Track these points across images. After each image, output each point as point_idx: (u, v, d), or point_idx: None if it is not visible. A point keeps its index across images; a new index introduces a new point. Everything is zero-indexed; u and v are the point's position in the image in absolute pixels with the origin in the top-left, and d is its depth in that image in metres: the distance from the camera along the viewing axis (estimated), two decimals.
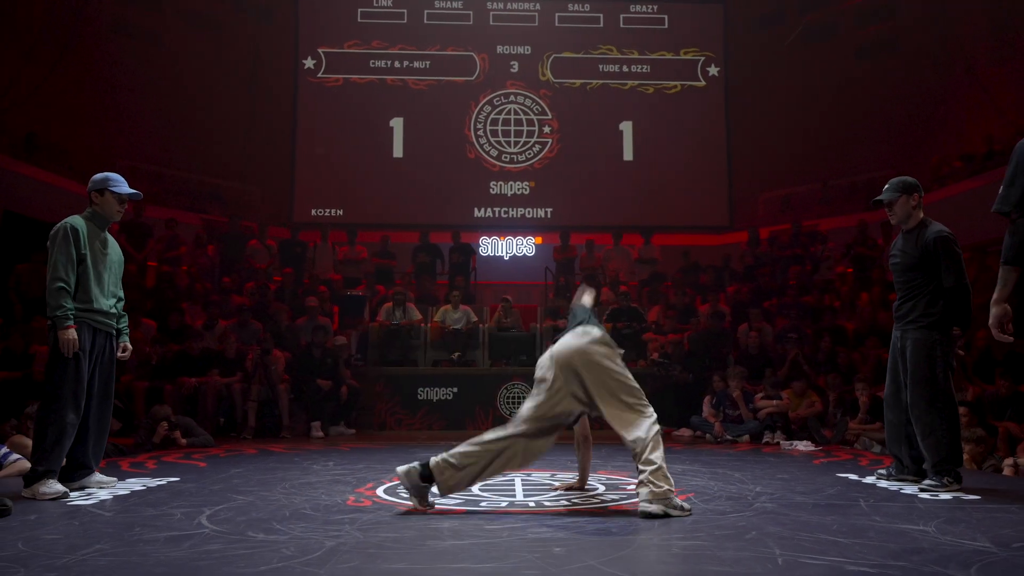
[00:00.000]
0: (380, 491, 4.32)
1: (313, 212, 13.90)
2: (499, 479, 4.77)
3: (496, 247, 13.79)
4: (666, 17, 14.51)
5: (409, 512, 3.68)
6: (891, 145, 13.22)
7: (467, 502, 3.94)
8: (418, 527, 3.31)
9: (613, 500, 4.01)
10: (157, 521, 3.41)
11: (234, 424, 8.33)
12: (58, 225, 4.24)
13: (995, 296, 3.32)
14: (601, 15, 14.49)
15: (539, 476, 4.94)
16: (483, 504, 3.89)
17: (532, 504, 3.90)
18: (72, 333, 4.07)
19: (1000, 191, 3.33)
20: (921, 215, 4.46)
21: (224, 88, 13.91)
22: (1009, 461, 5.45)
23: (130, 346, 4.61)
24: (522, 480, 4.75)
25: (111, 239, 4.49)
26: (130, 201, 4.51)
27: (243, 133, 13.89)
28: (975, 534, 3.10)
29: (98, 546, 2.89)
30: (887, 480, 4.56)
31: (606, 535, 3.16)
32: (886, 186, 4.54)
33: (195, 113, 13.43)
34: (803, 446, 6.98)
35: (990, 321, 3.35)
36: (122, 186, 4.41)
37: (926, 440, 4.25)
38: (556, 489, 4.28)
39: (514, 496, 4.15)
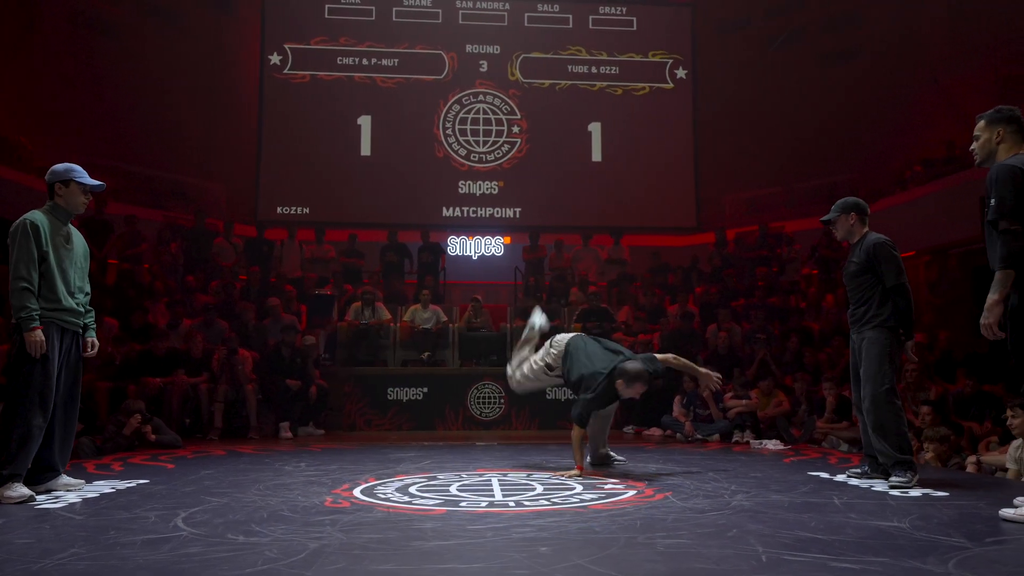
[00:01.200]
0: (357, 492, 4.27)
1: (279, 210, 13.68)
2: (476, 479, 4.77)
3: (464, 247, 13.75)
4: (635, 19, 14.59)
5: (389, 512, 3.65)
6: (854, 149, 13.48)
7: (447, 502, 3.92)
8: (401, 528, 3.29)
9: (592, 500, 4.01)
10: (131, 524, 3.33)
11: (200, 425, 8.18)
12: (17, 222, 4.09)
13: (995, 298, 3.45)
14: (570, 16, 14.52)
15: (515, 476, 4.93)
16: (463, 504, 3.87)
17: (512, 504, 3.89)
18: (39, 335, 3.95)
19: (993, 203, 3.48)
20: (864, 230, 4.76)
21: (186, 83, 13.63)
22: (972, 458, 5.59)
23: (97, 342, 4.46)
24: (499, 480, 4.74)
25: (75, 232, 4.34)
26: (92, 194, 4.40)
27: (207, 129, 13.63)
28: (948, 530, 3.18)
29: (73, 550, 2.81)
30: (859, 478, 4.67)
31: (590, 534, 3.17)
32: (833, 206, 4.88)
33: (156, 108, 13.14)
34: (772, 445, 7.08)
35: (989, 320, 3.47)
36: (86, 177, 4.30)
37: (878, 432, 4.45)
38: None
39: (493, 496, 4.14)
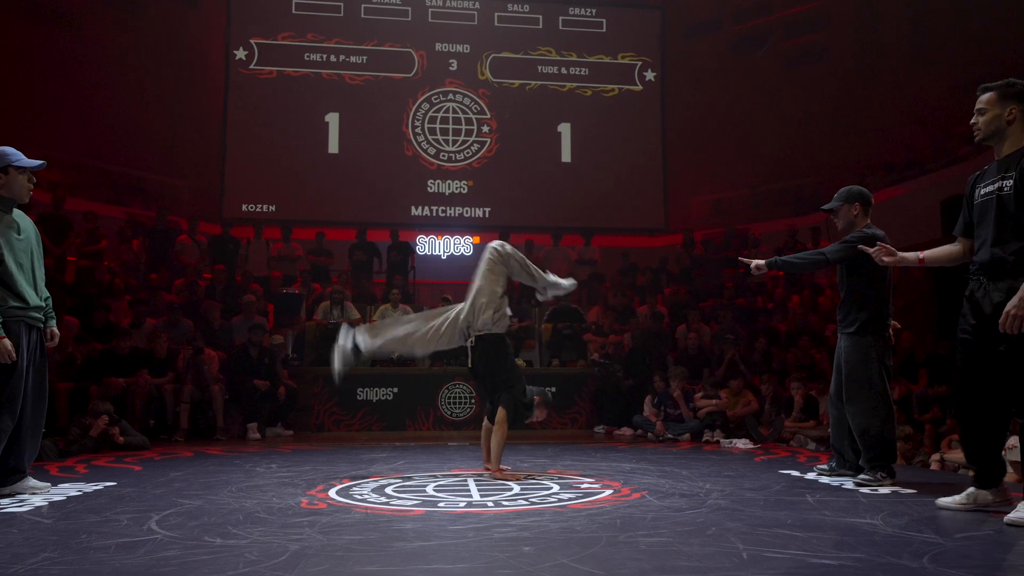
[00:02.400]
0: (332, 493, 4.22)
1: (244, 207, 13.47)
2: (451, 480, 4.74)
3: (433, 246, 13.70)
4: (604, 21, 14.67)
5: (368, 513, 3.61)
6: (818, 152, 13.71)
7: (425, 503, 3.90)
8: (381, 528, 3.26)
9: (570, 499, 4.02)
10: (103, 528, 3.25)
11: (165, 426, 8.02)
12: None
13: None
14: (540, 16, 14.54)
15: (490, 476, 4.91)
16: (441, 504, 3.85)
17: (491, 504, 3.88)
18: (6, 344, 3.80)
19: None
20: (867, 222, 4.56)
21: (149, 76, 13.37)
22: (936, 456, 5.73)
23: (57, 332, 4.29)
24: (475, 480, 4.72)
25: (22, 219, 4.09)
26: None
27: (169, 124, 13.38)
28: (920, 526, 3.24)
29: (45, 555, 2.74)
30: (828, 475, 4.73)
31: (571, 533, 3.17)
32: (836, 194, 4.69)
33: (117, 101, 12.86)
34: (742, 444, 7.16)
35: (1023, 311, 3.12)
36: (23, 158, 3.99)
37: (861, 438, 4.44)
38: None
39: (471, 496, 4.12)
